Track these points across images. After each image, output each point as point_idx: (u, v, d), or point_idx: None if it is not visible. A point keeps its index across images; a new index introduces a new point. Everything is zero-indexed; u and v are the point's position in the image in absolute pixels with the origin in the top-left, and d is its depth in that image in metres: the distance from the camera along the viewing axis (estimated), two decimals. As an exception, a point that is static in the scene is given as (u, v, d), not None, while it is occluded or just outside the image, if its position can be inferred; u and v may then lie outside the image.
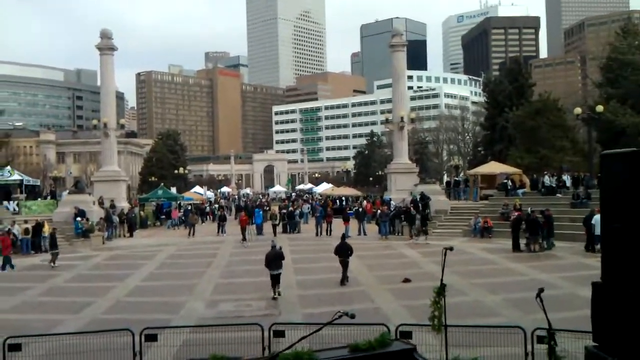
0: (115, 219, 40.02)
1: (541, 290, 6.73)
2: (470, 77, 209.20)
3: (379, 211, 37.61)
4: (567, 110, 61.23)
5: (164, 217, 49.63)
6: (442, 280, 8.27)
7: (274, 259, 18.27)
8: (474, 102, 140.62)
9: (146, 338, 10.86)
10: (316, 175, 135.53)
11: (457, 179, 52.10)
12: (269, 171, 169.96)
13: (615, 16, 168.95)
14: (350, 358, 6.36)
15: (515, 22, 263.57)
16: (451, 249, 8.51)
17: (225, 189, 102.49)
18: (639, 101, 60.49)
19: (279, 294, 17.98)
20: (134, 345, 10.57)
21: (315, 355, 6.16)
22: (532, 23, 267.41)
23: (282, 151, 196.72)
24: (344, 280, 20.27)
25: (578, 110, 39.06)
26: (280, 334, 10.57)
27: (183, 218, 47.04)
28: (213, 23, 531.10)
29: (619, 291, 6.36)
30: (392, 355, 6.47)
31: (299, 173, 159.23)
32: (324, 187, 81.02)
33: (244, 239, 34.38)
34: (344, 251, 20.64)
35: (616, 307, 6.38)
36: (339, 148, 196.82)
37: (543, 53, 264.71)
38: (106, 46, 47.40)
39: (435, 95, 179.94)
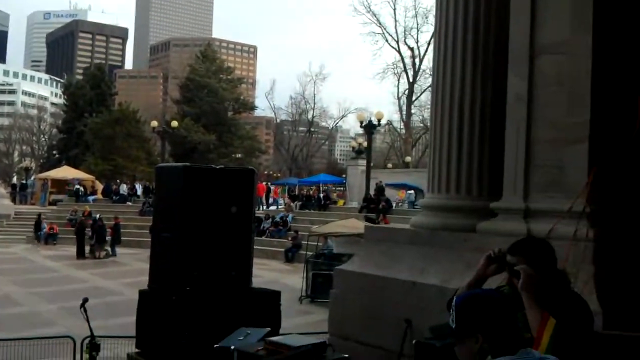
0: None
1: (85, 300, 6.55)
2: (52, 77, 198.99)
3: None
4: (146, 123, 63.32)
5: None
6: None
7: None
8: (53, 104, 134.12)
9: None
10: None
11: (24, 182, 48.92)
12: None
13: (198, 41, 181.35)
14: None
15: (103, 30, 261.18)
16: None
17: None
18: (211, 121, 66.23)
19: None
20: None
21: None
22: (120, 33, 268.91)
23: None
24: None
25: (154, 123, 40.64)
26: None
27: None
28: None
29: (163, 298, 6.56)
30: None
31: None
32: None
33: None
34: None
35: (159, 314, 6.57)
36: None
37: (129, 64, 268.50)
38: None
39: (12, 92, 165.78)
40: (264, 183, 45.12)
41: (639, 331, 4.13)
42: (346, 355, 4.37)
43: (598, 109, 5.04)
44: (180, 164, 6.66)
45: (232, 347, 4.44)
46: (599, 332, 4.10)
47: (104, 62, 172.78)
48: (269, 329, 4.94)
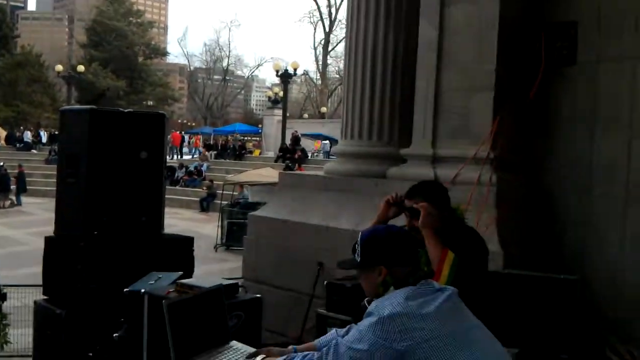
0: None
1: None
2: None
3: None
4: (51, 67, 60.34)
5: None
6: None
7: None
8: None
9: None
10: None
11: None
12: None
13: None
14: None
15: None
16: None
17: None
18: (120, 66, 63.77)
19: None
20: None
21: None
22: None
23: None
24: None
25: (59, 67, 38.79)
26: None
27: None
28: None
29: (70, 244, 6.38)
30: None
31: None
32: None
33: None
34: None
35: (67, 260, 6.40)
36: None
37: (32, 5, 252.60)
38: None
39: None
40: (179, 132, 44.27)
41: (535, 270, 4.39)
42: (258, 295, 4.42)
43: (504, 58, 5.20)
44: (87, 107, 6.39)
45: (142, 291, 4.39)
46: (499, 271, 4.33)
47: (5, 2, 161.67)
48: (181, 272, 4.91)
